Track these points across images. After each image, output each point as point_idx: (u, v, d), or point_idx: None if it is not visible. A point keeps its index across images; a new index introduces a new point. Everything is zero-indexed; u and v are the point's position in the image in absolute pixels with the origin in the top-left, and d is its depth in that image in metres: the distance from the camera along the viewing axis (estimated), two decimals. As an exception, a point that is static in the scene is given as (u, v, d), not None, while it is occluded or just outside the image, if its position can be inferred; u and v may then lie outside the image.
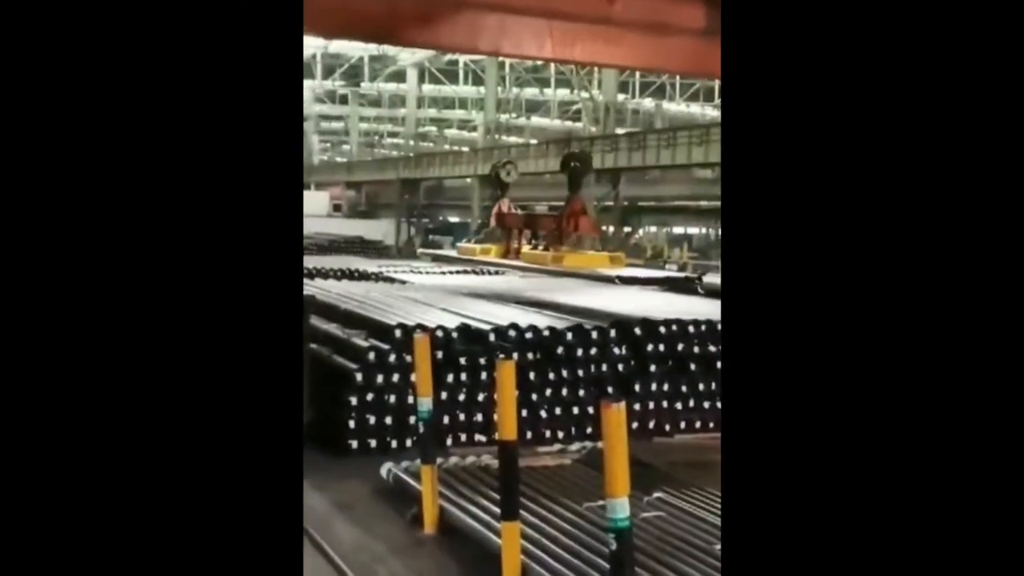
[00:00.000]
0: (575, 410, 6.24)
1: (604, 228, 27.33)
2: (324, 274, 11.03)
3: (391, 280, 10.45)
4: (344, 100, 49.75)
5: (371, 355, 5.90)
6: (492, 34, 8.89)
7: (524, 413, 5.85)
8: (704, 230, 36.91)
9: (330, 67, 45.61)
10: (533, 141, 37.72)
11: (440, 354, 5.78)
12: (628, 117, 42.53)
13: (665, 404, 6.51)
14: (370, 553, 4.15)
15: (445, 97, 48.48)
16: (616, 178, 26.79)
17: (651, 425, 6.43)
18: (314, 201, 34.13)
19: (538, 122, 47.53)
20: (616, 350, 6.43)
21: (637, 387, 6.41)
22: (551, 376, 6.22)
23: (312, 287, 8.58)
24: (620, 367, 6.43)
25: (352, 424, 5.78)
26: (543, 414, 6.16)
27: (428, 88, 46.91)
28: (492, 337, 6.16)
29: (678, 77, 40.77)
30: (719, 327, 6.31)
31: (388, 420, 5.83)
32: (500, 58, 33.37)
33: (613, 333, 6.47)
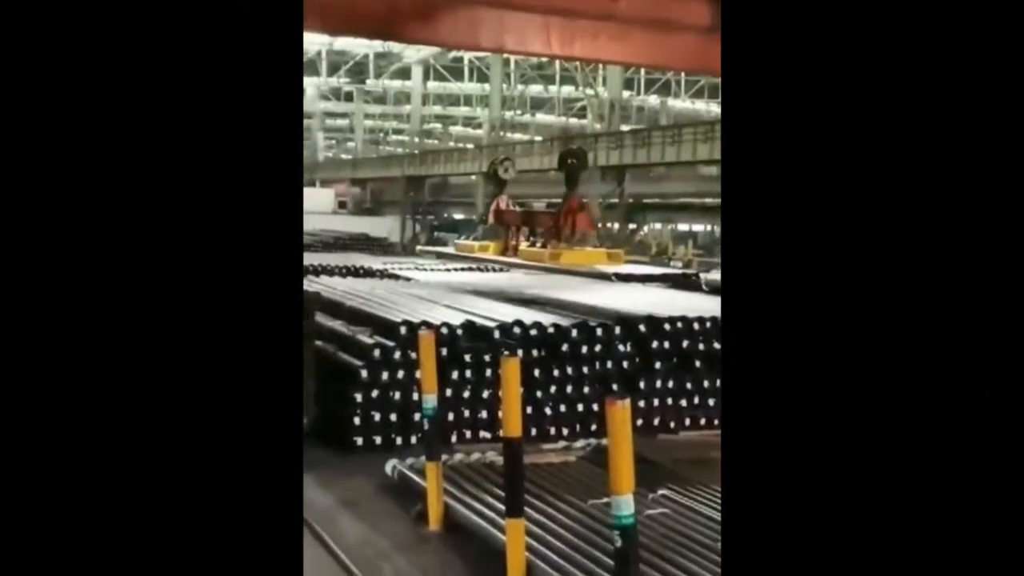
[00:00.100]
0: (580, 407, 6.24)
1: (609, 225, 27.41)
2: (329, 271, 11.03)
3: (396, 277, 10.45)
4: (349, 97, 49.78)
5: (376, 352, 5.90)
6: (496, 31, 8.88)
7: (529, 410, 5.85)
8: (709, 227, 36.86)
9: (335, 64, 45.63)
10: (538, 138, 37.71)
11: (445, 351, 5.78)
12: (633, 114, 42.50)
13: (670, 401, 6.51)
14: (375, 549, 4.16)
15: (450, 94, 48.47)
16: (621, 175, 26.79)
17: (656, 422, 6.43)
18: (319, 198, 34.19)
19: (543, 119, 47.51)
20: (621, 347, 6.43)
21: (642, 384, 6.41)
22: (556, 373, 6.22)
23: (317, 284, 8.59)
24: (625, 364, 6.43)
25: (357, 421, 5.79)
26: (548, 411, 6.16)
27: (433, 85, 46.92)
28: (497, 334, 6.17)
29: (683, 74, 40.72)
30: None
31: (393, 417, 5.84)
32: (505, 55, 33.37)
33: (618, 330, 6.47)
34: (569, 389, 6.24)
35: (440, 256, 16.05)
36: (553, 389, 6.20)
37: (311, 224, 21.17)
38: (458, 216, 41.09)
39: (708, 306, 7.34)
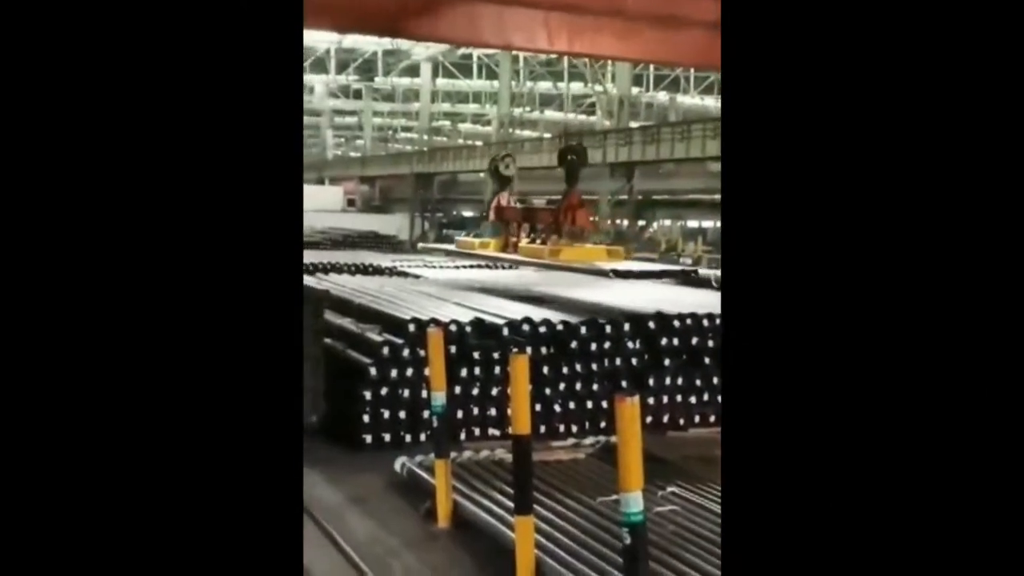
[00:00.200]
0: (589, 404, 6.24)
1: (618, 222, 27.36)
2: (338, 269, 11.04)
3: (405, 275, 10.46)
4: (358, 95, 49.79)
5: (385, 350, 5.91)
6: (504, 27, 8.88)
7: (538, 407, 5.85)
8: (718, 223, 36.74)
9: (344, 62, 45.64)
10: (547, 135, 37.67)
11: (454, 348, 5.79)
12: (642, 110, 42.41)
13: (679, 398, 6.50)
14: (384, 547, 4.16)
15: (459, 91, 48.45)
16: (630, 172, 26.75)
17: (665, 419, 6.42)
18: (328, 196, 34.21)
19: (552, 116, 47.45)
20: (630, 344, 6.42)
21: (651, 381, 6.40)
22: (565, 370, 6.21)
23: (326, 282, 8.60)
24: (634, 361, 6.42)
25: (366, 418, 5.80)
26: (557, 408, 6.16)
27: (442, 82, 46.89)
28: (505, 331, 6.16)
29: (692, 70, 40.64)
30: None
31: (402, 414, 5.84)
32: (513, 52, 33.34)
33: (627, 327, 6.46)
34: (578, 386, 6.24)
35: (440, 253, 16.06)
36: (562, 386, 6.19)
37: (321, 222, 21.21)
38: (467, 213, 41.08)
39: (717, 302, 7.32)
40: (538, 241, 14.90)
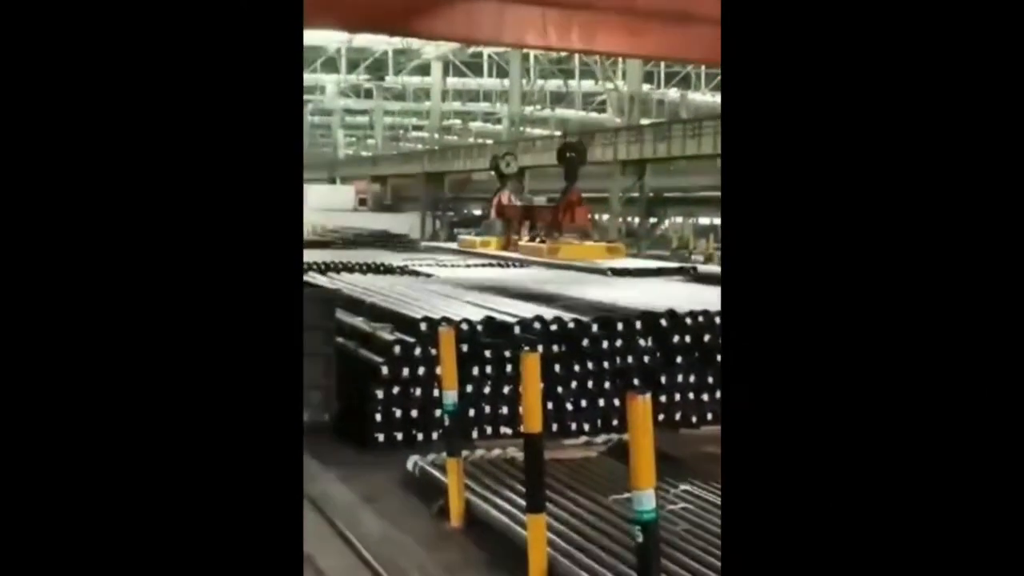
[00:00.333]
0: (600, 402, 6.24)
1: (630, 219, 27.31)
2: (350, 268, 11.06)
3: (416, 273, 10.48)
4: (369, 94, 49.81)
5: (397, 348, 5.92)
6: (516, 25, 8.88)
7: (549, 405, 5.85)
8: (730, 220, 36.53)
9: (354, 61, 45.66)
10: (557, 133, 37.64)
11: (465, 347, 5.79)
12: (653, 108, 42.33)
13: (691, 396, 6.49)
14: (397, 545, 4.17)
15: (469, 90, 48.42)
16: (641, 169, 26.71)
17: (677, 417, 6.42)
18: (340, 195, 34.25)
19: (563, 113, 47.41)
20: (642, 342, 6.41)
21: (663, 379, 6.40)
22: (576, 368, 6.21)
23: (338, 281, 8.62)
24: (646, 359, 6.41)
25: (378, 417, 5.81)
26: (568, 406, 6.16)
27: (452, 81, 46.85)
28: (517, 329, 6.16)
29: (703, 67, 40.54)
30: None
31: (414, 413, 5.86)
32: (524, 50, 33.31)
33: (639, 325, 6.45)
34: (590, 384, 6.24)
35: (441, 252, 16.04)
36: (574, 384, 6.19)
37: (332, 221, 21.25)
38: (477, 212, 41.09)
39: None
40: (537, 239, 14.88)
